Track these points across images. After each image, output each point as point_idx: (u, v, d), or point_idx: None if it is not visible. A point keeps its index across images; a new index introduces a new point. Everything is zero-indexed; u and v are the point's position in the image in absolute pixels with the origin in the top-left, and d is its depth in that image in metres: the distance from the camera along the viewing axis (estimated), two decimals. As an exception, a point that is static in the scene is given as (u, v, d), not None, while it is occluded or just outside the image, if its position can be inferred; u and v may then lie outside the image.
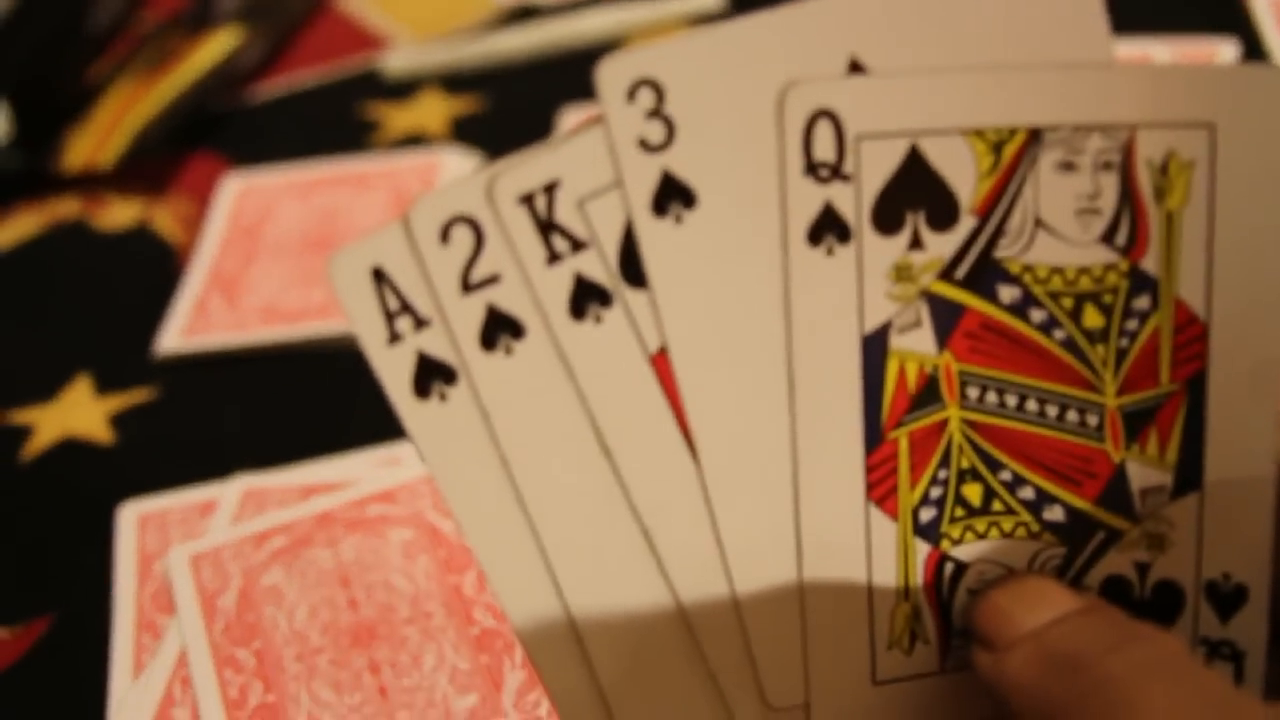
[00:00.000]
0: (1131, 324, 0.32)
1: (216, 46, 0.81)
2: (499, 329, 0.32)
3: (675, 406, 0.33)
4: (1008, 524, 0.34)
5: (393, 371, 0.32)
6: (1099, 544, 0.34)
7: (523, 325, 0.32)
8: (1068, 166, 0.32)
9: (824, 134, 0.32)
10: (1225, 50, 0.66)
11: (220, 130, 0.79)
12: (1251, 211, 0.32)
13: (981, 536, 0.34)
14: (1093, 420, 0.33)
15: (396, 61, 0.80)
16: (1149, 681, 0.28)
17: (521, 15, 0.83)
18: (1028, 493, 0.33)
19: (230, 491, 0.56)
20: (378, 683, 0.47)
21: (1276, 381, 0.32)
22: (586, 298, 0.32)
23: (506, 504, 0.33)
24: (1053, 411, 0.33)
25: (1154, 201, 0.32)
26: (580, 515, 0.33)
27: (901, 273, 0.32)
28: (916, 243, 0.32)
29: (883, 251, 0.32)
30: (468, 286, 0.32)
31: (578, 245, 0.32)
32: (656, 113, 0.32)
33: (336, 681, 0.48)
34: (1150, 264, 0.32)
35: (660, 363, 0.33)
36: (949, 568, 0.34)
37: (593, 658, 0.34)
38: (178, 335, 0.65)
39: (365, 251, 0.32)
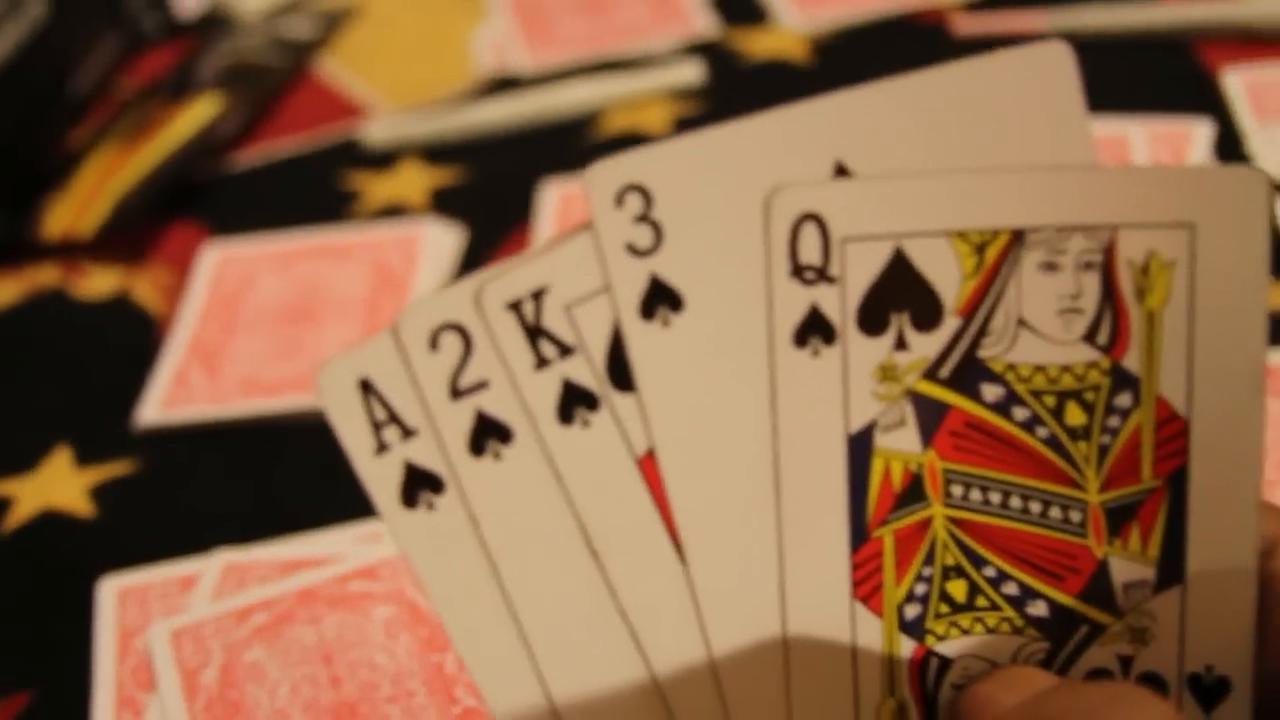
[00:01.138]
0: (1113, 421, 0.33)
1: (196, 115, 0.82)
2: (487, 434, 0.33)
3: (663, 508, 0.33)
4: (992, 619, 0.34)
5: (380, 482, 0.33)
6: (1082, 638, 0.34)
7: (511, 430, 0.33)
8: (1050, 267, 0.32)
9: (810, 237, 0.32)
10: (1200, 130, 0.67)
11: (200, 199, 0.79)
12: (1230, 309, 0.32)
13: (966, 632, 0.34)
14: (1075, 516, 0.33)
15: (377, 132, 0.81)
16: None
17: (502, 86, 0.84)
18: (1011, 588, 0.34)
19: (211, 566, 0.55)
20: (360, 762, 0.47)
21: (1256, 476, 0.32)
22: (574, 402, 0.33)
23: (496, 610, 0.33)
24: (1036, 508, 0.33)
25: (1135, 301, 0.32)
26: (569, 618, 0.33)
27: (886, 373, 0.33)
28: (901, 343, 0.33)
29: (868, 352, 0.33)
30: (456, 393, 0.32)
31: (565, 350, 0.33)
32: (644, 217, 0.32)
33: (319, 761, 0.47)
34: (1131, 362, 0.33)
35: (648, 465, 0.33)
36: (934, 663, 0.34)
37: None
38: (158, 406, 0.65)
39: (352, 362, 0.32)
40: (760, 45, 0.83)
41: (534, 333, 0.32)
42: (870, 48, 0.81)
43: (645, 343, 0.32)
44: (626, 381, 0.33)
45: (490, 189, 0.77)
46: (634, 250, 0.32)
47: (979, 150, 0.33)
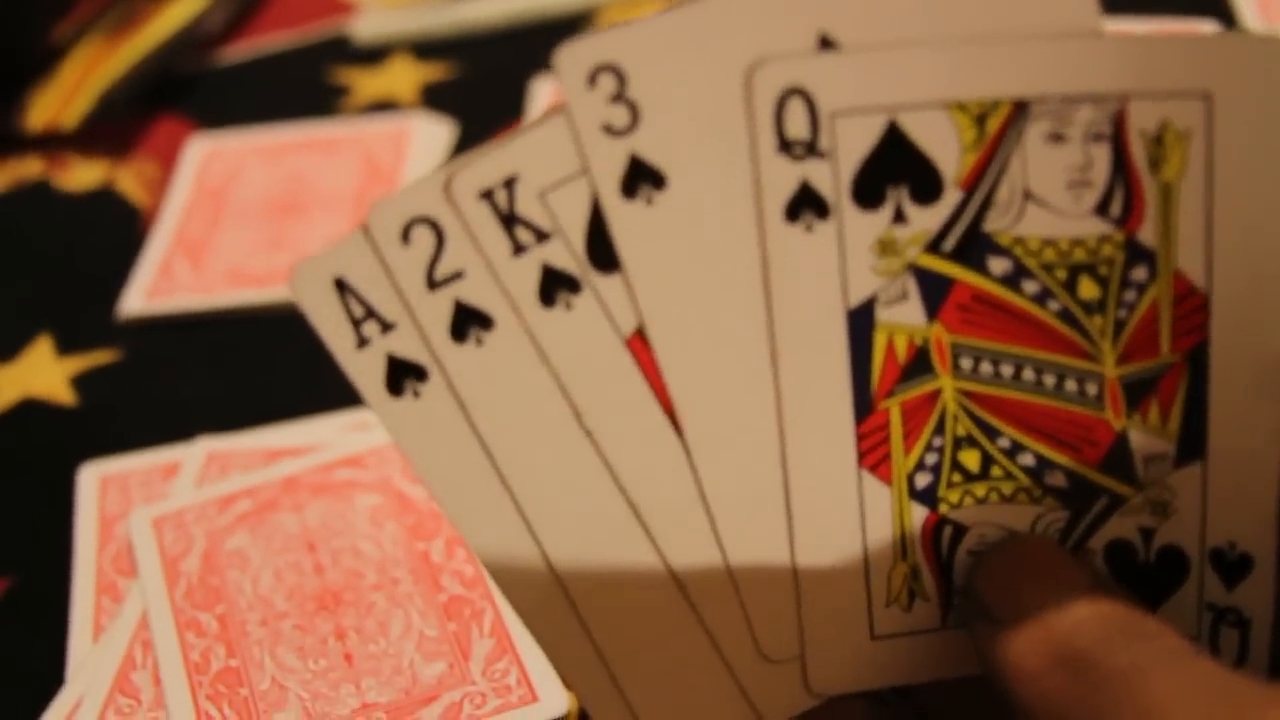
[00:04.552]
0: (1129, 295, 0.32)
1: (183, 8, 0.80)
2: (468, 322, 0.32)
3: (655, 386, 0.32)
4: (1008, 488, 0.33)
5: (365, 374, 0.32)
6: (1102, 509, 0.33)
7: (491, 317, 0.32)
8: (1056, 138, 0.31)
9: (796, 112, 0.31)
10: (1205, 31, 0.66)
11: (186, 93, 0.78)
12: (1252, 183, 0.31)
13: (981, 501, 0.33)
14: (1092, 389, 0.33)
15: (366, 28, 0.79)
16: (1153, 677, 0.28)
17: (494, -17, 0.83)
18: (1027, 459, 0.33)
19: (194, 454, 0.55)
20: (343, 649, 0.47)
21: (1277, 354, 0.32)
22: (555, 285, 0.32)
23: (492, 490, 0.33)
24: (1050, 380, 0.33)
25: (1149, 172, 0.31)
26: (566, 494, 0.33)
27: (885, 247, 0.32)
28: (900, 217, 0.32)
29: (864, 227, 0.32)
30: (433, 284, 0.32)
31: (542, 236, 0.32)
32: (620, 97, 0.31)
33: (301, 647, 0.47)
34: (1147, 235, 0.32)
35: (636, 344, 0.32)
36: (948, 530, 0.34)
37: (589, 623, 0.33)
38: (142, 297, 0.64)
39: (325, 262, 0.32)
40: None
41: (508, 220, 0.32)
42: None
43: (628, 222, 0.32)
44: (608, 263, 0.32)
45: (482, 85, 0.75)
46: (611, 130, 0.31)
47: (976, 17, 0.32)
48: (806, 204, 0.32)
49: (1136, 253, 0.32)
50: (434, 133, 0.71)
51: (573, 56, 0.31)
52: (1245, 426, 0.32)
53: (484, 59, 0.77)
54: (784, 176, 0.31)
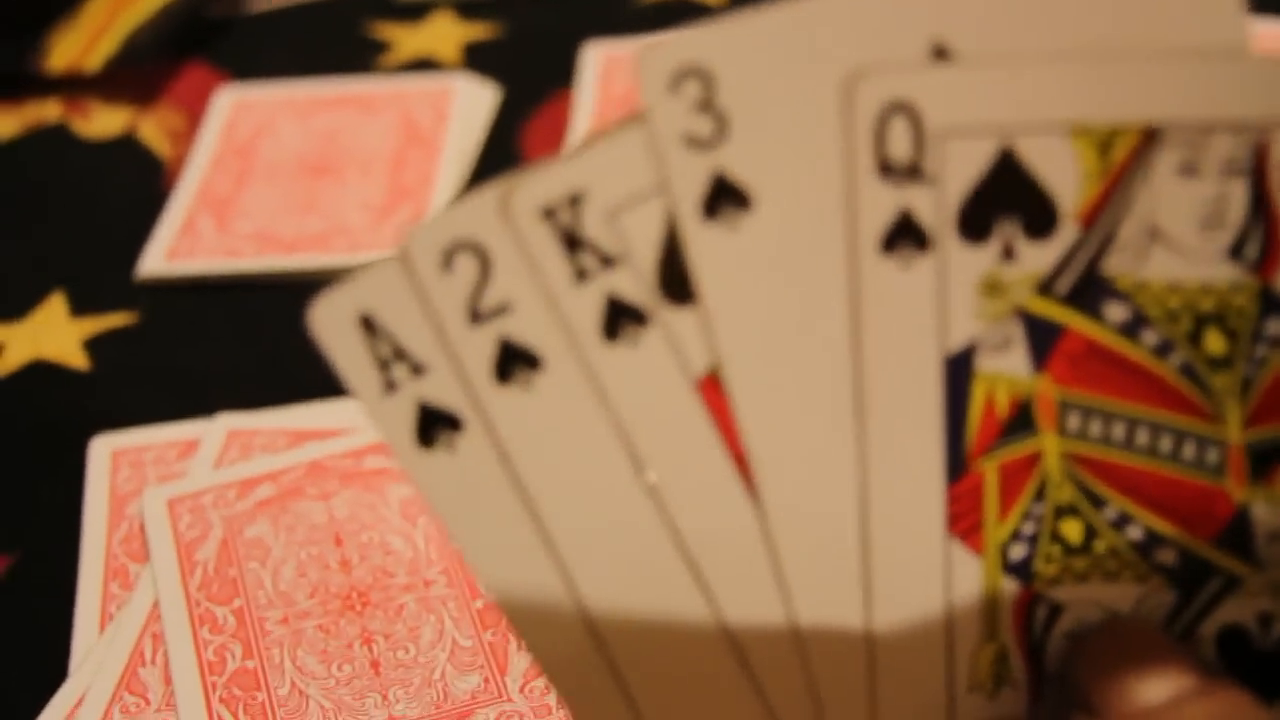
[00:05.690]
0: (1261, 351, 0.28)
1: (216, -49, 0.77)
2: (514, 361, 0.28)
3: (726, 434, 0.29)
4: (1112, 565, 0.30)
5: (392, 423, 0.29)
6: (1215, 591, 0.30)
7: (540, 356, 0.28)
8: (1189, 170, 0.28)
9: (900, 130, 0.28)
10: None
11: (216, 40, 0.74)
12: None
13: (1082, 578, 0.30)
14: (1212, 456, 0.29)
15: (408, -20, 0.75)
16: None
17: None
18: (1136, 532, 0.30)
19: (214, 431, 0.51)
20: (370, 655, 0.43)
21: None
22: (620, 318, 0.28)
23: (535, 555, 0.29)
24: (1166, 445, 0.29)
25: None
26: (621, 559, 0.29)
27: (991, 287, 0.28)
28: (1009, 253, 0.28)
29: (969, 263, 0.28)
30: (476, 317, 0.28)
31: (608, 261, 0.28)
32: (706, 105, 0.27)
33: (324, 651, 0.43)
34: None
35: (707, 387, 0.29)
36: (1042, 609, 0.30)
37: (633, 690, 0.30)
38: (162, 257, 0.60)
39: (350, 296, 0.28)
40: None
41: (572, 242, 0.28)
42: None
43: (709, 247, 0.28)
44: (681, 294, 0.28)
45: (528, 47, 0.72)
46: (694, 142, 0.28)
47: (1104, 30, 0.28)
48: (905, 234, 0.28)
49: (1272, 304, 0.28)
50: (477, 95, 0.67)
51: (654, 57, 0.27)
52: None
53: (530, 19, 0.73)
54: (882, 202, 0.28)
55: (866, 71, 0.27)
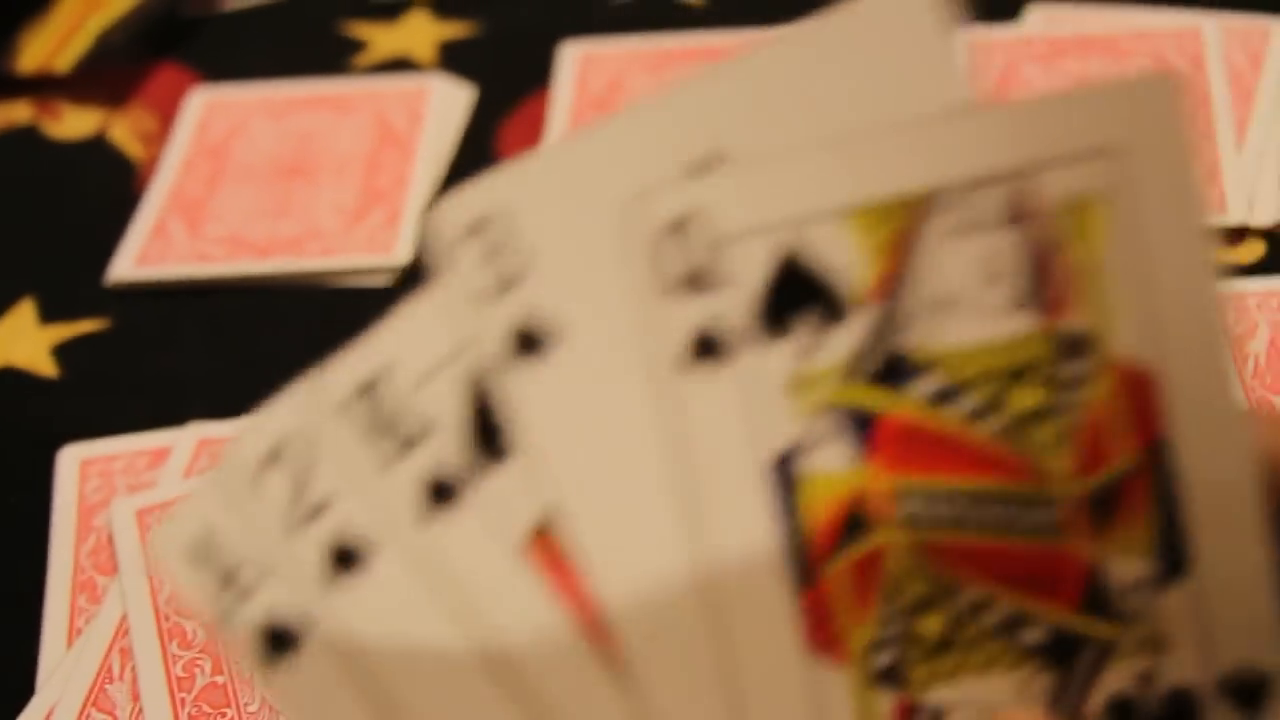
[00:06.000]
0: (1068, 395, 0.28)
1: (188, -51, 0.76)
2: (341, 560, 0.29)
3: (564, 590, 0.29)
4: (980, 657, 0.29)
5: (237, 646, 0.29)
6: (1093, 660, 0.29)
7: (365, 549, 0.29)
8: (964, 229, 0.28)
9: (680, 244, 0.28)
10: (1103, 80, 0.62)
11: (189, 40, 0.74)
12: (1181, 244, 0.27)
13: (952, 676, 0.29)
14: (1044, 517, 0.28)
15: (382, -22, 0.75)
16: None
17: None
18: (995, 616, 0.29)
19: (184, 440, 0.51)
20: (342, 669, 0.43)
21: (1248, 431, 0.27)
22: (437, 495, 0.29)
23: None
24: (1001, 515, 0.28)
25: (1068, 250, 0.27)
26: None
27: (798, 384, 0.28)
28: (809, 347, 0.28)
29: (772, 364, 0.28)
30: (295, 525, 0.29)
31: (411, 442, 0.29)
32: (495, 254, 0.28)
33: (295, 665, 0.43)
34: (1076, 322, 0.28)
35: (538, 546, 0.29)
36: (925, 718, 0.29)
37: None
38: (133, 262, 0.59)
39: (178, 528, 0.29)
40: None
41: (378, 428, 0.29)
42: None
43: (521, 392, 0.28)
44: (497, 450, 0.29)
45: (505, 46, 0.71)
46: (488, 293, 0.28)
47: (851, 113, 0.28)
48: (702, 348, 0.28)
49: (1068, 343, 0.28)
50: (452, 96, 0.67)
51: (446, 215, 0.28)
52: (1227, 523, 0.28)
53: (507, 19, 0.73)
54: (673, 320, 0.28)
55: (641, 193, 0.28)
